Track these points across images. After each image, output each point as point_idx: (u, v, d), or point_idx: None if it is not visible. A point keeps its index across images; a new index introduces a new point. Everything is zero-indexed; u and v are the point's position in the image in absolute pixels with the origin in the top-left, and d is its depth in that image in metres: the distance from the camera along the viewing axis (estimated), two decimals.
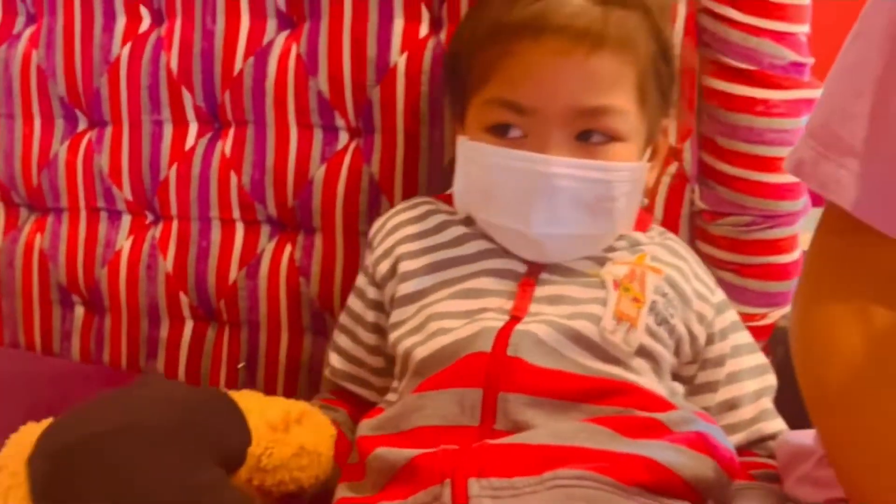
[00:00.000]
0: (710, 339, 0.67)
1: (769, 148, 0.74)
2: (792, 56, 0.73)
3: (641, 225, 0.71)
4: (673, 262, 0.67)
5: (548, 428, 0.58)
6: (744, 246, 0.77)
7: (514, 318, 0.63)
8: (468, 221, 0.70)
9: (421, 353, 0.63)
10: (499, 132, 0.65)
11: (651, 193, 0.77)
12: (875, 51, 0.47)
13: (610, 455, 0.56)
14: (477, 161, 0.66)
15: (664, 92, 0.68)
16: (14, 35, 0.99)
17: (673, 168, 0.77)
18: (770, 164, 0.74)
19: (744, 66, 0.73)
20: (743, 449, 0.67)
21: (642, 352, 0.62)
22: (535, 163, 0.63)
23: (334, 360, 0.74)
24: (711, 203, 0.77)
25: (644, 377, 0.62)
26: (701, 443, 0.60)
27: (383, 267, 0.70)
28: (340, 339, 0.74)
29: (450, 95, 0.76)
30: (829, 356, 0.49)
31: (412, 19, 0.82)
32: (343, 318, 0.75)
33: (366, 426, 0.64)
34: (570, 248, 0.66)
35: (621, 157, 0.64)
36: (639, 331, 0.62)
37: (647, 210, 0.75)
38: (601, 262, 0.67)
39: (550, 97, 0.62)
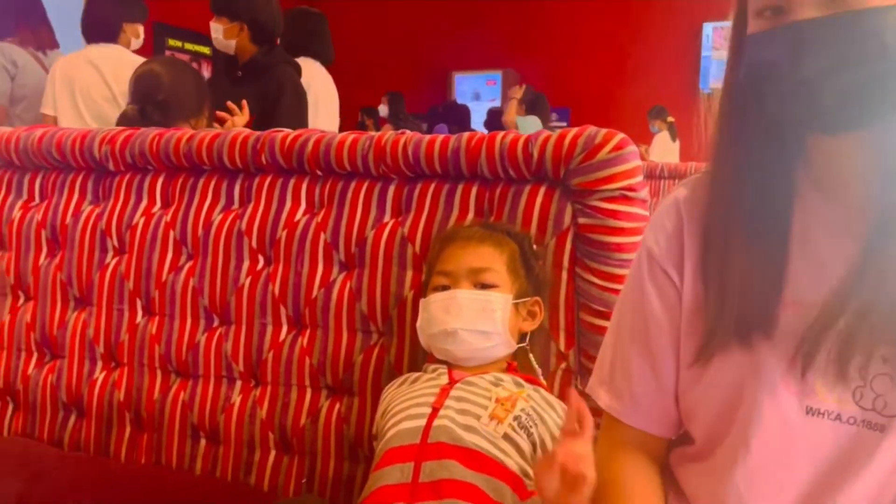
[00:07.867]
0: None
1: None
2: None
3: (536, 383, 1.22)
4: (543, 406, 1.14)
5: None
6: None
7: (434, 409, 1.11)
8: (423, 370, 1.24)
9: (382, 443, 1.13)
10: (438, 290, 1.23)
11: (533, 348, 1.28)
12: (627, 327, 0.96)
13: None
14: (428, 305, 1.24)
15: (529, 274, 1.25)
16: (178, 267, 1.57)
17: (564, 365, 1.30)
18: None
19: (600, 308, 1.27)
20: None
21: (507, 438, 1.07)
22: (451, 293, 1.21)
23: None
24: (585, 386, 1.28)
25: (508, 458, 1.06)
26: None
27: (379, 410, 1.24)
28: None
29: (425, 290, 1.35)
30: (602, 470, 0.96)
31: (418, 270, 1.39)
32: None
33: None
34: (473, 339, 1.19)
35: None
36: (503, 426, 1.08)
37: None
38: (495, 384, 1.16)
39: (461, 264, 1.22)
